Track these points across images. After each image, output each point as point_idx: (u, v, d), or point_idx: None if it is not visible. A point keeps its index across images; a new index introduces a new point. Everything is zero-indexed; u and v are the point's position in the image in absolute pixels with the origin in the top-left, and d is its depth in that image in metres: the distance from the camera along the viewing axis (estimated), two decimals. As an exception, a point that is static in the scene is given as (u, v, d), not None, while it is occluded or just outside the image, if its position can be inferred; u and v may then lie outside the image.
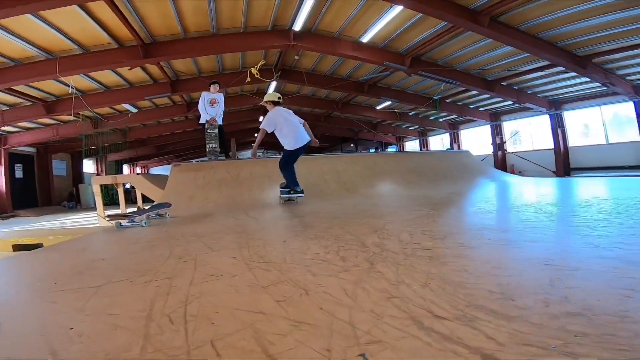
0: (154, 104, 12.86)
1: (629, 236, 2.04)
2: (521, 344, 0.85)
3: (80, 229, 6.10)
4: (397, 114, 17.35)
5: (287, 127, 4.63)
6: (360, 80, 12.05)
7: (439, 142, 21.50)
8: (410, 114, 17.49)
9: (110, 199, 13.80)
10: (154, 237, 2.88)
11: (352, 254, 1.85)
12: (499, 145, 16.47)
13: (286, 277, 1.48)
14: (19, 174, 14.24)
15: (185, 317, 1.08)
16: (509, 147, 16.51)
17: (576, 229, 2.32)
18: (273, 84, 11.32)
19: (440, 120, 18.37)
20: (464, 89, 12.24)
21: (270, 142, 29.09)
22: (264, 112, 5.11)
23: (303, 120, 4.86)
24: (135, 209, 8.06)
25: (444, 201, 4.53)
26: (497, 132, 16.50)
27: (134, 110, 12.51)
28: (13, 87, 8.48)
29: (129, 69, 8.41)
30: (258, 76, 9.53)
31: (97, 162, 19.43)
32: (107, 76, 9.33)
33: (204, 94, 6.34)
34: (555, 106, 13.30)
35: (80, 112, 11.32)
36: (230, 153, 7.49)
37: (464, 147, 18.25)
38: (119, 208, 7.68)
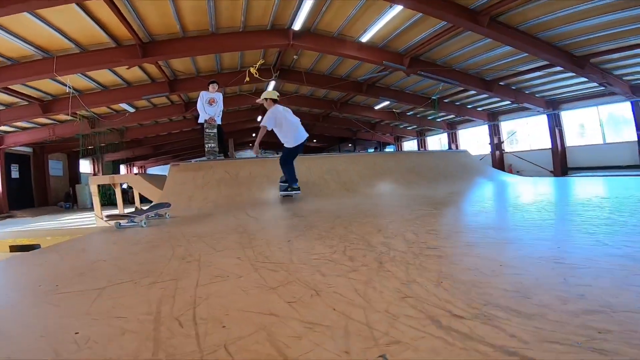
0: (152, 104, 12.78)
1: (635, 234, 2.04)
2: (545, 341, 0.84)
3: (78, 230, 6.04)
4: (395, 114, 17.36)
5: (287, 125, 4.71)
6: (359, 80, 12.04)
7: (436, 142, 21.54)
8: (408, 113, 17.51)
9: (107, 199, 13.70)
10: (155, 237, 2.84)
11: (359, 254, 1.82)
12: (496, 145, 16.52)
13: (294, 278, 1.45)
14: (15, 174, 14.11)
15: (195, 320, 1.04)
16: (507, 147, 16.57)
17: (582, 227, 2.30)
18: (272, 84, 11.28)
19: (438, 120, 18.41)
20: (462, 88, 12.27)
21: (269, 142, 29.10)
22: (263, 111, 5.13)
23: (298, 119, 4.95)
24: (132, 209, 8.00)
25: (444, 201, 4.52)
26: (494, 132, 16.55)
27: (132, 109, 12.43)
28: (10, 87, 8.39)
29: (127, 68, 8.35)
30: (257, 76, 9.49)
31: (93, 162, 19.31)
32: (105, 75, 9.25)
33: (203, 93, 6.30)
34: (552, 106, 13.36)
35: (78, 112, 11.23)
36: (228, 153, 7.45)
37: (461, 147, 18.30)
38: (117, 208, 7.62)
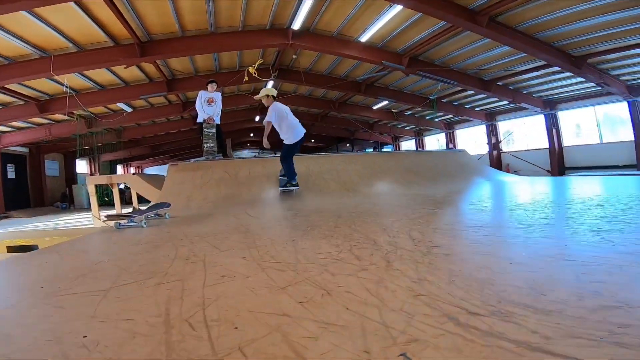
0: (149, 103, 12.69)
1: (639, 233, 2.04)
2: (568, 337, 0.84)
3: (76, 230, 5.98)
4: (393, 114, 17.37)
5: (287, 122, 4.88)
6: (358, 80, 12.03)
7: (434, 142, 21.59)
8: (406, 113, 17.53)
9: (104, 199, 13.61)
10: (156, 237, 2.81)
11: (366, 253, 1.81)
12: (494, 145, 16.58)
13: (303, 277, 1.43)
14: (11, 174, 13.98)
15: (206, 321, 1.02)
16: (504, 147, 16.64)
17: (587, 225, 2.30)
18: (270, 83, 11.24)
19: (436, 120, 18.45)
20: (460, 88, 12.30)
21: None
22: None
23: (296, 119, 5.11)
24: (130, 210, 7.95)
25: (445, 200, 4.52)
26: (492, 131, 16.61)
27: (129, 109, 12.34)
28: (6, 86, 8.30)
29: (125, 68, 8.29)
30: (256, 75, 9.45)
31: (90, 162, 19.17)
32: (102, 75, 9.18)
33: (202, 92, 6.26)
34: (550, 106, 13.42)
35: (75, 112, 11.13)
36: (227, 152, 7.41)
37: (459, 146, 18.34)
38: (114, 208, 7.56)
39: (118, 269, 1.80)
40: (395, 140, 23.61)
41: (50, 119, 12.24)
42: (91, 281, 1.57)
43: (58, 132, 12.84)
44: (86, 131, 13.25)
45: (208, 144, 6.41)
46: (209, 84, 6.30)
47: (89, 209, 14.57)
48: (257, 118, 17.00)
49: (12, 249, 4.57)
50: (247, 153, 28.42)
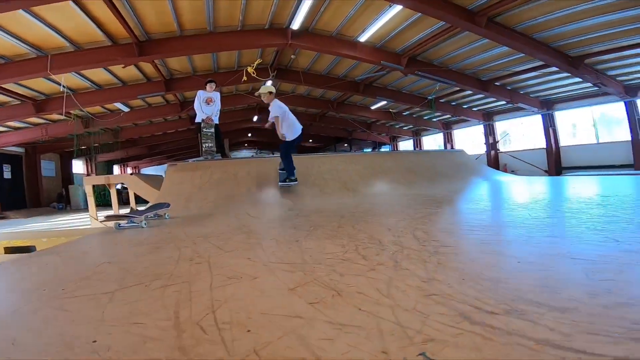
0: (147, 103, 12.63)
1: (644, 231, 2.05)
2: (586, 333, 0.84)
3: (74, 231, 5.91)
4: (392, 114, 17.40)
5: (287, 119, 5.02)
6: (356, 80, 12.04)
7: (432, 142, 21.66)
8: (404, 113, 17.57)
9: (101, 199, 13.51)
10: (157, 238, 2.78)
11: (372, 253, 1.80)
12: (491, 145, 16.66)
13: (311, 278, 1.41)
14: (7, 174, 13.88)
15: (217, 325, 1.00)
16: (501, 147, 16.72)
17: (590, 224, 2.30)
18: (268, 83, 11.21)
19: (434, 120, 18.50)
20: (458, 89, 12.34)
21: (263, 142, 28.95)
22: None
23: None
24: (127, 210, 7.89)
25: (446, 200, 4.52)
26: (489, 131, 16.68)
27: (126, 109, 12.28)
28: (2, 86, 8.22)
29: (123, 67, 8.24)
30: (254, 75, 9.42)
31: (87, 162, 19.06)
32: (100, 74, 9.11)
33: (200, 92, 6.21)
34: (547, 106, 13.51)
35: (72, 112, 11.05)
36: (226, 152, 7.37)
37: (457, 146, 18.41)
38: (111, 209, 7.50)
39: (122, 270, 1.78)
40: (393, 140, 23.65)
41: (46, 119, 12.15)
42: (95, 283, 1.54)
43: (54, 132, 12.75)
44: (83, 131, 13.16)
45: (207, 144, 6.37)
46: (208, 84, 6.26)
47: (85, 209, 14.46)
48: (255, 118, 16.97)
49: (9, 250, 4.50)
50: (245, 153, 28.37)
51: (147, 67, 9.21)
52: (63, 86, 8.38)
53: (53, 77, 7.62)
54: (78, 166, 18.99)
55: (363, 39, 8.48)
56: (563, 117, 13.82)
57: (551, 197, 4.39)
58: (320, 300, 1.14)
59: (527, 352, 0.78)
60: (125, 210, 7.78)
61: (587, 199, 3.85)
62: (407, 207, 3.92)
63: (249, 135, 23.70)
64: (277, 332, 0.93)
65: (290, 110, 5.34)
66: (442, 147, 19.41)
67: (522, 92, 12.72)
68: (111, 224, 4.40)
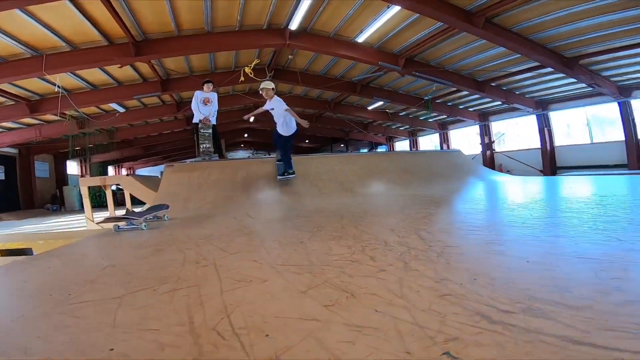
0: (143, 104, 12.52)
1: (645, 230, 2.08)
2: (604, 329, 0.86)
3: (71, 233, 5.84)
4: (388, 114, 17.44)
5: (287, 116, 5.23)
6: (354, 81, 12.05)
7: (428, 142, 21.75)
8: (401, 114, 17.62)
9: (96, 201, 13.36)
10: (158, 240, 2.76)
11: (379, 254, 1.79)
12: (487, 145, 16.78)
13: (321, 280, 1.41)
14: (0, 175, 13.66)
15: (234, 329, 0.98)
16: (497, 147, 16.84)
17: (592, 224, 2.32)
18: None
19: (430, 120, 18.58)
20: (454, 89, 12.41)
21: (260, 143, 28.83)
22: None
23: None
24: (123, 211, 7.79)
25: (445, 200, 4.55)
26: (485, 132, 16.80)
27: (122, 110, 12.16)
28: (-5, 86, 8.11)
29: (119, 67, 8.16)
30: (252, 75, 9.39)
31: (81, 163, 18.86)
32: (95, 74, 9.02)
33: (197, 93, 6.16)
34: (542, 106, 13.63)
35: (67, 112, 10.92)
36: (223, 153, 7.34)
37: (453, 147, 18.51)
38: (106, 210, 7.42)
39: (127, 274, 1.75)
40: (390, 140, 23.71)
41: (40, 120, 11.99)
42: (102, 288, 1.52)
43: (48, 132, 12.59)
44: (78, 132, 13.01)
45: (204, 145, 6.32)
46: (205, 84, 6.21)
47: (80, 210, 14.31)
48: (252, 119, 16.90)
49: (5, 253, 4.44)
50: (241, 154, 28.28)
51: (144, 67, 9.13)
52: (58, 86, 8.28)
53: (48, 77, 7.52)
54: (72, 167, 18.79)
55: (361, 39, 8.50)
56: (558, 118, 13.96)
57: (550, 197, 4.43)
58: (334, 303, 1.14)
59: (550, 349, 0.79)
60: (120, 212, 7.71)
61: (586, 198, 3.89)
62: (406, 207, 3.93)
63: (245, 135, 23.62)
64: (295, 336, 0.92)
65: None
66: (438, 148, 19.51)
67: (517, 93, 12.82)
68: (109, 225, 4.36)
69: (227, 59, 9.86)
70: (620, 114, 11.19)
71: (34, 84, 8.76)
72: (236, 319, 1.05)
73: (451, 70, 10.48)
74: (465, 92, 12.97)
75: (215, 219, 3.81)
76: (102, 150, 16.15)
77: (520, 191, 5.39)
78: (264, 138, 22.90)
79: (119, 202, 12.97)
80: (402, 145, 23.54)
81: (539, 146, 14.14)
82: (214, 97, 6.27)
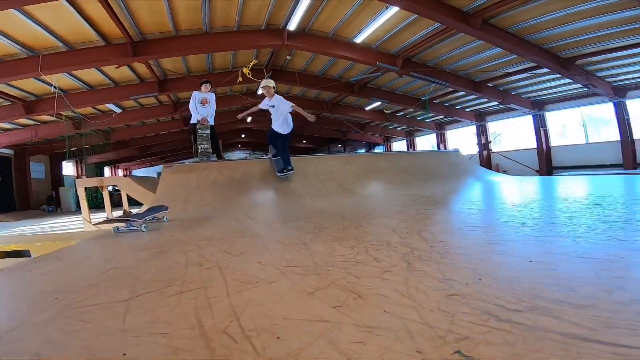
0: (139, 104, 12.47)
1: (644, 230, 2.11)
2: (611, 327, 0.88)
3: (69, 234, 5.80)
4: (386, 115, 17.50)
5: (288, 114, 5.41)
6: (351, 81, 12.08)
7: (425, 142, 21.83)
8: (398, 114, 17.69)
9: (93, 202, 13.27)
10: (160, 242, 2.75)
11: (383, 254, 1.80)
12: (484, 145, 16.88)
13: (328, 282, 1.41)
14: (-4, 176, 13.56)
15: (244, 332, 0.98)
16: (493, 147, 16.96)
17: (591, 224, 2.35)
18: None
19: (427, 120, 18.66)
20: (451, 90, 12.47)
21: (257, 143, 28.77)
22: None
23: None
24: (120, 213, 7.77)
25: (445, 200, 4.57)
26: (482, 132, 16.90)
27: (118, 110, 12.09)
28: (-10, 86, 8.04)
29: (116, 68, 8.12)
30: (250, 76, 9.38)
31: (77, 164, 18.72)
32: (92, 75, 8.96)
33: (195, 93, 6.14)
34: (538, 107, 13.74)
35: (63, 113, 10.84)
36: (221, 154, 7.32)
37: (450, 147, 18.60)
38: (102, 211, 7.37)
39: (131, 277, 1.74)
40: (387, 140, 23.78)
41: (36, 120, 11.89)
42: (107, 291, 1.51)
43: (44, 133, 12.49)
44: (74, 132, 12.92)
45: (202, 146, 6.30)
46: (203, 85, 6.19)
47: (76, 212, 14.20)
48: (249, 119, 16.89)
49: (2, 255, 4.39)
50: (238, 154, 28.21)
51: (141, 68, 9.09)
52: (54, 87, 8.22)
53: (44, 77, 7.46)
54: (68, 168, 18.65)
55: (359, 40, 8.52)
56: (553, 118, 14.08)
57: (548, 197, 4.47)
58: (342, 304, 1.15)
59: (559, 346, 0.81)
60: (117, 213, 7.66)
61: (584, 199, 3.93)
62: (406, 207, 3.95)
63: (243, 136, 23.59)
64: (306, 337, 0.92)
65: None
66: (435, 148, 19.60)
67: (513, 93, 12.92)
68: (106, 227, 4.33)
69: (224, 59, 9.85)
70: (616, 114, 11.31)
71: (30, 85, 8.69)
72: (246, 322, 1.06)
73: (448, 70, 10.55)
74: (462, 93, 13.04)
75: (215, 220, 3.80)
76: (98, 151, 16.05)
77: (519, 191, 5.43)
78: (261, 138, 22.83)
79: (116, 203, 12.91)
80: (399, 145, 23.62)
81: (535, 146, 14.26)
82: (211, 97, 6.26)
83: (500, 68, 10.23)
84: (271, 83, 5.31)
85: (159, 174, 7.37)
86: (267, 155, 7.77)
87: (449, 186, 6.14)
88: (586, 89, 11.00)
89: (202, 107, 6.16)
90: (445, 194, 5.18)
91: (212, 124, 6.38)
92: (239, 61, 9.94)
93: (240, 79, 9.47)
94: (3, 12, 5.41)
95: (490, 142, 16.88)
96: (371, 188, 5.97)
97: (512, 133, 16.28)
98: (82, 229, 7.27)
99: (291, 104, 5.26)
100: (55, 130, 12.29)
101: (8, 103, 9.47)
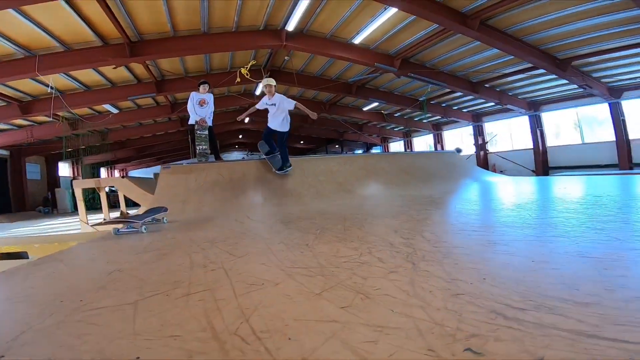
0: (136, 105, 12.42)
1: (642, 230, 2.14)
2: (614, 324, 0.90)
3: (67, 236, 5.75)
4: (383, 115, 17.55)
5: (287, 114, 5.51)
6: (349, 82, 12.10)
7: (422, 143, 21.92)
8: (396, 115, 17.74)
9: (89, 203, 13.19)
10: (162, 244, 2.75)
11: (387, 255, 1.82)
12: (480, 146, 16.98)
13: (334, 282, 1.42)
14: (-9, 177, 13.44)
15: (256, 334, 0.99)
16: (490, 148, 17.06)
17: (590, 224, 2.38)
18: (261, 84, 11.17)
19: (425, 121, 18.73)
20: (449, 90, 12.54)
21: (254, 144, 28.75)
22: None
23: None
24: (117, 214, 7.71)
25: (444, 200, 4.60)
26: (479, 132, 17.00)
27: (115, 111, 12.03)
28: (-14, 86, 7.97)
29: (114, 68, 8.08)
30: (248, 77, 9.37)
31: (73, 165, 18.59)
32: (88, 75, 8.92)
33: (193, 94, 6.12)
34: (534, 107, 13.85)
35: (60, 114, 10.77)
36: (219, 155, 7.31)
37: (447, 147, 18.70)
38: (99, 213, 7.33)
39: (136, 279, 1.74)
40: (384, 141, 23.84)
41: (32, 121, 11.81)
42: (114, 293, 1.51)
43: (40, 134, 12.40)
44: (70, 133, 12.83)
45: (201, 147, 6.28)
46: (201, 85, 6.16)
47: (73, 213, 14.09)
48: (247, 119, 16.84)
49: (0, 256, 4.37)
50: (236, 155, 28.15)
51: (138, 68, 9.06)
52: (51, 87, 8.17)
53: (41, 78, 7.41)
54: (64, 169, 18.52)
55: (357, 41, 8.55)
56: (549, 118, 14.20)
57: (546, 197, 4.51)
58: (350, 304, 1.16)
59: (566, 342, 0.83)
60: (114, 214, 7.61)
61: (581, 199, 3.97)
62: (406, 208, 3.97)
63: (240, 137, 23.54)
64: (318, 337, 0.93)
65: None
66: (432, 148, 19.69)
67: (510, 94, 13.02)
68: (103, 228, 4.30)
69: (222, 60, 9.84)
70: (611, 114, 11.42)
71: (26, 85, 8.63)
72: (256, 323, 1.06)
73: (446, 71, 10.61)
74: (459, 93, 13.12)
75: (215, 222, 3.80)
76: (94, 151, 15.97)
77: (517, 192, 5.47)
78: (259, 139, 22.80)
79: (112, 204, 12.83)
80: (396, 146, 23.68)
81: (532, 147, 14.36)
82: (210, 98, 6.24)
83: (497, 69, 10.31)
84: (273, 82, 5.39)
85: (155, 174, 7.32)
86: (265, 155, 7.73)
87: (447, 186, 6.18)
88: (582, 90, 11.11)
89: (200, 108, 6.14)
90: (444, 194, 5.22)
91: (211, 124, 6.37)
92: (237, 62, 9.93)
93: (238, 79, 9.46)
94: (0, 13, 5.37)
95: (487, 142, 16.98)
96: (371, 188, 5.99)
97: (509, 133, 16.41)
98: (79, 231, 7.23)
99: (294, 102, 5.38)
100: (51, 131, 12.19)
101: (4, 103, 9.41)
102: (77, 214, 7.48)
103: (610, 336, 0.84)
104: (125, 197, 7.22)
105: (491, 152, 16.87)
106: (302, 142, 25.62)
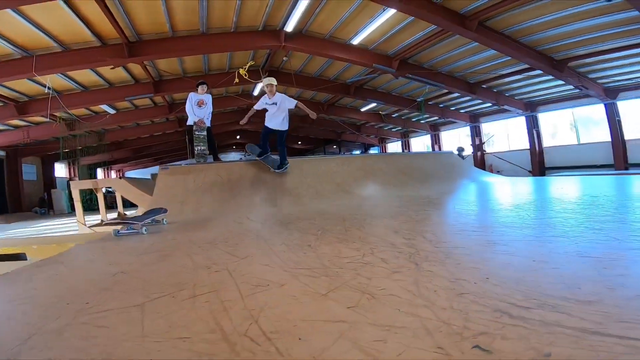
0: (134, 105, 12.36)
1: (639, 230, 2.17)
2: (617, 321, 0.92)
3: (65, 237, 5.72)
4: (381, 116, 17.59)
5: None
6: (348, 82, 12.12)
7: (420, 143, 21.98)
8: (394, 115, 17.79)
9: (86, 204, 13.12)
10: (163, 245, 2.75)
11: (390, 256, 1.83)
12: (478, 146, 17.06)
13: (339, 283, 1.44)
14: (-13, 178, 13.32)
15: (266, 335, 1.00)
16: (487, 148, 17.15)
17: (589, 224, 2.41)
18: (259, 85, 11.18)
19: (422, 122, 18.80)
20: (447, 91, 12.60)
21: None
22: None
23: None
24: (115, 215, 7.67)
25: (442, 201, 4.63)
26: (476, 133, 17.09)
27: (112, 111, 11.97)
28: (-18, 87, 7.90)
29: (112, 68, 8.03)
30: (246, 77, 9.37)
31: (69, 166, 18.47)
32: (86, 75, 8.87)
33: (192, 95, 6.10)
34: (531, 108, 13.94)
35: (57, 114, 10.70)
36: (217, 156, 7.29)
37: (444, 148, 18.77)
38: (96, 213, 7.29)
39: (140, 281, 1.74)
40: (382, 142, 23.89)
41: (28, 121, 11.71)
42: (119, 295, 1.51)
43: (36, 134, 12.30)
44: (67, 134, 12.75)
45: (199, 147, 6.27)
46: (199, 86, 6.14)
47: (69, 214, 14.01)
48: (245, 120, 16.84)
49: (-2, 258, 4.32)
50: (233, 155, 28.09)
51: (136, 69, 9.02)
52: (48, 87, 8.12)
53: (38, 78, 7.36)
54: (60, 170, 18.40)
55: (356, 41, 8.56)
56: (546, 119, 14.30)
57: (544, 198, 4.55)
58: (357, 304, 1.17)
59: (571, 339, 0.85)
60: (112, 215, 7.58)
61: (579, 199, 4.01)
62: (405, 208, 3.99)
63: (237, 137, 23.50)
64: (327, 337, 0.94)
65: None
66: (430, 149, 19.75)
67: (507, 95, 13.10)
68: (101, 230, 4.29)
69: (221, 60, 9.82)
70: (607, 115, 11.51)
71: (23, 85, 8.57)
72: (265, 324, 1.07)
73: (444, 72, 10.66)
74: (457, 94, 13.18)
75: (215, 222, 3.80)
76: (91, 152, 15.86)
77: (514, 192, 5.51)
78: (256, 140, 22.76)
79: (109, 205, 12.78)
80: (394, 146, 23.73)
81: (528, 147, 14.46)
82: (208, 99, 6.22)
83: (495, 70, 10.38)
84: (274, 81, 5.42)
85: (153, 175, 7.29)
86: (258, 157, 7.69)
87: (445, 187, 6.21)
88: (578, 91, 11.20)
89: (198, 108, 6.13)
90: (442, 194, 5.24)
91: (209, 125, 6.36)
92: (235, 62, 9.92)
93: (236, 80, 9.45)
94: (-2, 12, 5.35)
95: (484, 143, 17.07)
96: (369, 189, 6.00)
97: (506, 134, 16.50)
98: (76, 232, 7.19)
99: (296, 101, 5.46)
100: (47, 131, 12.11)
101: (0, 104, 9.33)
102: (74, 215, 7.44)
103: (613, 333, 0.86)
104: (122, 198, 7.19)
105: (488, 153, 16.96)
106: (299, 142, 25.62)
